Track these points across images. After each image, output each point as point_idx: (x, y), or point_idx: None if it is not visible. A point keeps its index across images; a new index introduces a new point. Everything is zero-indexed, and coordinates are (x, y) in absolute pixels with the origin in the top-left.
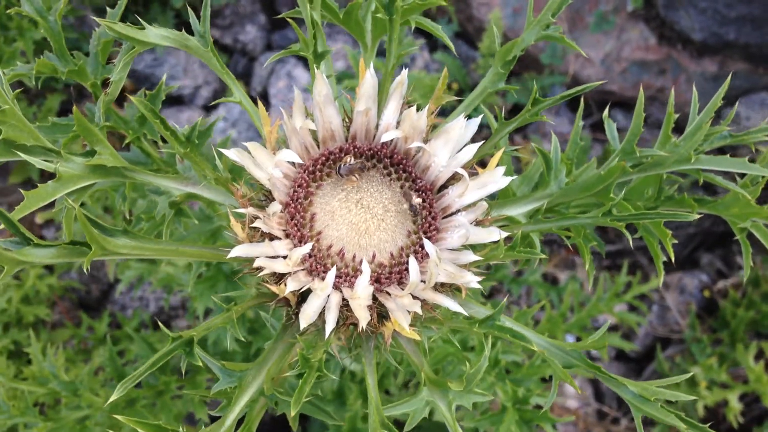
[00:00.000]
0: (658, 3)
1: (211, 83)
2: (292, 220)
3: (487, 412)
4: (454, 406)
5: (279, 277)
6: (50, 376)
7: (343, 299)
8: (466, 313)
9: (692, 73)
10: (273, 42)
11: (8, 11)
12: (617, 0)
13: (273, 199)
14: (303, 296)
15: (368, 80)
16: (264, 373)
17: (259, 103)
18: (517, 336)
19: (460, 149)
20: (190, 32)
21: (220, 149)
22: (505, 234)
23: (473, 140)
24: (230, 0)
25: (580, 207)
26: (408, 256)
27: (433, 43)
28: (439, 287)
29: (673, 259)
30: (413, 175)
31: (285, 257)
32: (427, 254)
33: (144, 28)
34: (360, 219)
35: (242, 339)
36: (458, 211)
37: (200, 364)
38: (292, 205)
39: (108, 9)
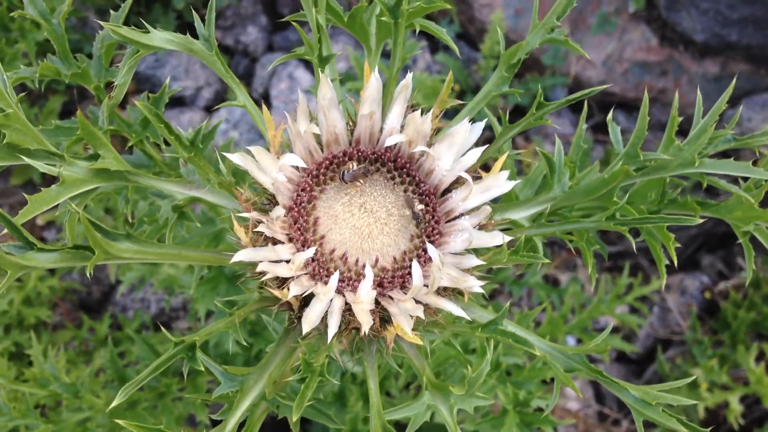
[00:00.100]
0: (660, 4)
1: (212, 84)
2: (295, 224)
3: (488, 414)
4: (456, 410)
5: (282, 282)
6: (51, 378)
7: (346, 303)
8: (468, 318)
9: (694, 74)
10: (274, 43)
11: (11, 14)
12: (619, 1)
13: (276, 203)
14: (306, 300)
15: (373, 84)
16: (266, 377)
17: (264, 107)
18: (519, 340)
19: (464, 153)
20: (193, 34)
21: (224, 153)
22: (508, 238)
23: (477, 143)
24: (232, 1)
25: (583, 210)
26: (411, 260)
27: (435, 45)
28: (442, 291)
29: (675, 263)
30: (417, 178)
31: (288, 261)
32: (430, 258)
33: (148, 32)
34: (363, 223)
35: (243, 344)
36: (462, 215)
37: (202, 368)
38: (296, 209)
39: (111, 12)
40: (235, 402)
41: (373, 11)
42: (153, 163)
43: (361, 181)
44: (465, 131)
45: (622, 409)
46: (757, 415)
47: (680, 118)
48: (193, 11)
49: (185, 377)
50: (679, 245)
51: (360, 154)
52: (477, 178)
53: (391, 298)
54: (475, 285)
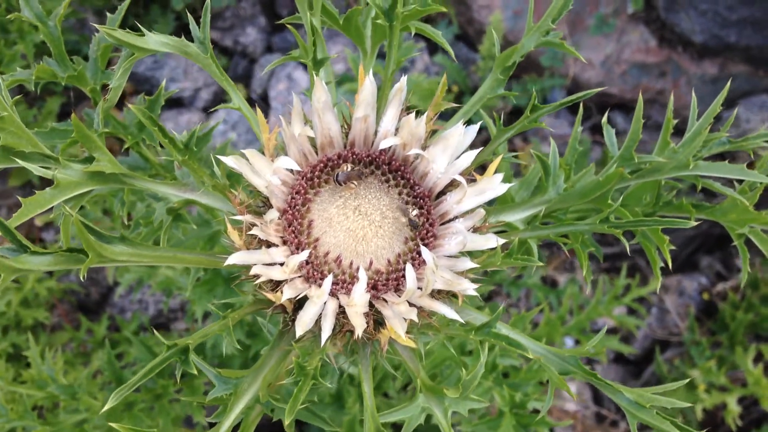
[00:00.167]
0: (659, 5)
1: (211, 85)
2: (289, 227)
3: (485, 416)
4: (450, 413)
5: (276, 284)
6: (49, 380)
7: (340, 306)
8: (462, 321)
9: (692, 75)
10: (273, 44)
11: (8, 17)
12: (617, 2)
13: (271, 206)
14: (300, 303)
15: (367, 87)
16: (260, 380)
17: (258, 110)
18: (512, 344)
19: (459, 156)
20: (191, 37)
21: (218, 156)
22: (502, 241)
23: (473, 144)
24: (231, 2)
25: (578, 212)
26: (405, 262)
27: (433, 46)
28: (436, 294)
29: (670, 266)
30: (411, 181)
31: (282, 264)
32: (424, 261)
33: (143, 35)
34: (358, 226)
35: (238, 347)
36: (456, 217)
37: (195, 372)
38: (290, 212)
39: (108, 14)
40: (229, 405)
41: (369, 14)
42: (149, 165)
43: (355, 182)
44: (459, 134)
45: (620, 410)
46: (755, 416)
47: (678, 120)
48: (188, 14)
49: (178, 380)
50: (674, 247)
51: (355, 156)
52: (472, 180)
53: (385, 300)
54: (469, 288)
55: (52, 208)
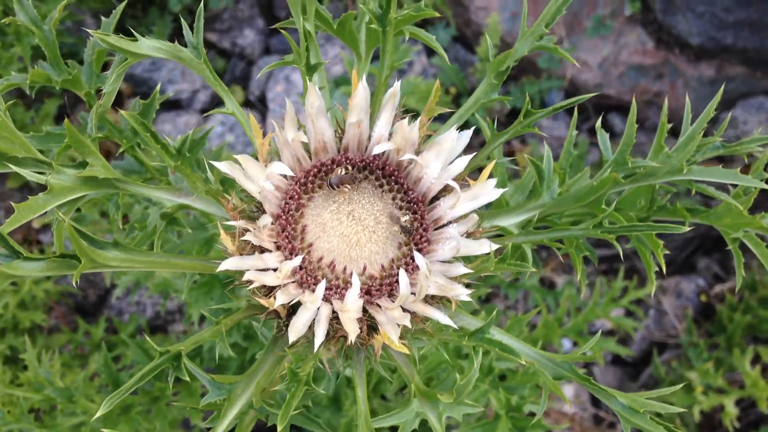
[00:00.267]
0: (656, 7)
1: (208, 87)
2: (283, 232)
3: (482, 419)
4: (444, 418)
5: (269, 290)
6: (45, 383)
7: (333, 312)
8: (455, 327)
9: (690, 77)
10: (271, 46)
11: (3, 20)
12: (615, 4)
13: (264, 211)
14: (293, 308)
15: (360, 92)
16: (253, 386)
17: (250, 115)
18: (505, 349)
19: (452, 161)
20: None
21: (211, 162)
22: (495, 246)
23: (470, 145)
24: (229, 4)
25: (573, 216)
26: (399, 268)
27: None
28: (430, 299)
29: (664, 270)
30: (405, 186)
31: (275, 270)
32: (417, 266)
33: (137, 40)
34: (351, 231)
35: (231, 354)
36: (450, 222)
37: (187, 378)
38: (284, 217)
39: (103, 18)
40: (223, 410)
41: (363, 18)
42: (144, 169)
43: (348, 187)
44: (452, 139)
45: None
46: (753, 418)
47: (675, 122)
48: (182, 20)
49: (171, 386)
50: (668, 252)
51: (348, 161)
52: (465, 185)
53: (379, 306)
54: (462, 293)
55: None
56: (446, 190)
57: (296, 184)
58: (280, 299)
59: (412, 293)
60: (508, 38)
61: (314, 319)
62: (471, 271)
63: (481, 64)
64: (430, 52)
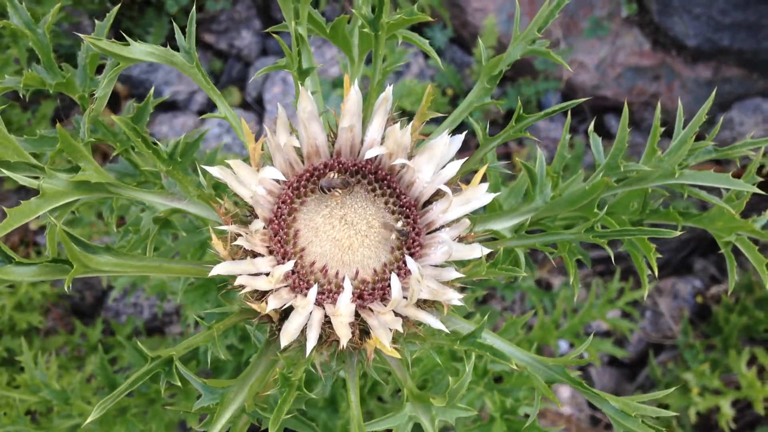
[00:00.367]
0: (653, 9)
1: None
2: (275, 236)
3: (477, 421)
4: (437, 422)
5: (261, 294)
6: (42, 385)
7: (326, 316)
8: (447, 331)
9: (686, 78)
10: (268, 48)
11: None
12: (612, 6)
13: (256, 216)
14: (286, 312)
15: (352, 97)
16: (246, 390)
17: (242, 119)
18: (497, 354)
19: (444, 165)
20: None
21: (203, 167)
22: (487, 250)
23: (467, 147)
24: (226, 5)
25: (566, 220)
26: (391, 272)
27: None
28: (422, 304)
29: (656, 274)
30: (398, 190)
31: (268, 274)
32: (409, 271)
33: (129, 44)
34: (344, 235)
35: (231, 351)
36: (442, 227)
37: (179, 383)
38: (276, 221)
39: (96, 22)
40: (215, 415)
41: (356, 22)
42: (139, 172)
43: (340, 191)
44: (444, 144)
45: None
46: (749, 419)
47: (669, 125)
48: (174, 24)
49: (162, 392)
50: (660, 255)
51: (341, 166)
52: (457, 190)
53: (371, 310)
54: (454, 298)
55: None
56: (438, 194)
57: (289, 188)
58: (272, 304)
59: (404, 297)
60: (504, 40)
61: (306, 324)
62: (463, 275)
63: (478, 65)
64: (427, 53)
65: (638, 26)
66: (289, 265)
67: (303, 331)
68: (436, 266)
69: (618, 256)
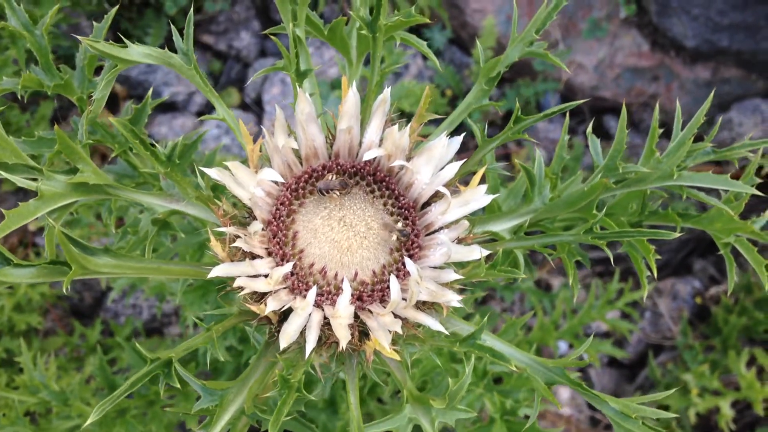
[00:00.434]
0: (651, 10)
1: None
2: (274, 238)
3: (477, 423)
4: (437, 423)
5: (260, 296)
6: (41, 386)
7: (325, 318)
8: (447, 333)
9: (685, 79)
10: (267, 49)
11: None
12: (610, 7)
13: (255, 218)
14: (285, 314)
15: (350, 99)
16: (245, 392)
17: (240, 121)
18: (496, 355)
19: (443, 167)
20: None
21: (201, 168)
22: (486, 252)
23: (465, 147)
24: (224, 6)
25: (565, 221)
26: (390, 273)
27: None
28: (421, 305)
29: (655, 275)
30: (396, 192)
31: (266, 276)
32: (408, 272)
33: (126, 46)
34: (343, 237)
35: (231, 353)
36: (441, 228)
37: (178, 385)
38: (275, 223)
39: (95, 24)
40: (215, 417)
41: (354, 24)
42: (137, 174)
43: (338, 192)
44: (443, 146)
45: None
46: (748, 420)
47: (662, 130)
48: (172, 26)
49: (161, 394)
50: (659, 257)
51: (339, 167)
52: (456, 192)
53: (371, 312)
54: (453, 299)
55: None
56: (437, 195)
57: (287, 190)
58: (271, 306)
59: (403, 299)
60: (504, 41)
61: (305, 326)
62: (462, 277)
63: (477, 66)
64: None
65: (637, 27)
66: (288, 267)
67: (302, 333)
68: (435, 268)
69: (617, 257)
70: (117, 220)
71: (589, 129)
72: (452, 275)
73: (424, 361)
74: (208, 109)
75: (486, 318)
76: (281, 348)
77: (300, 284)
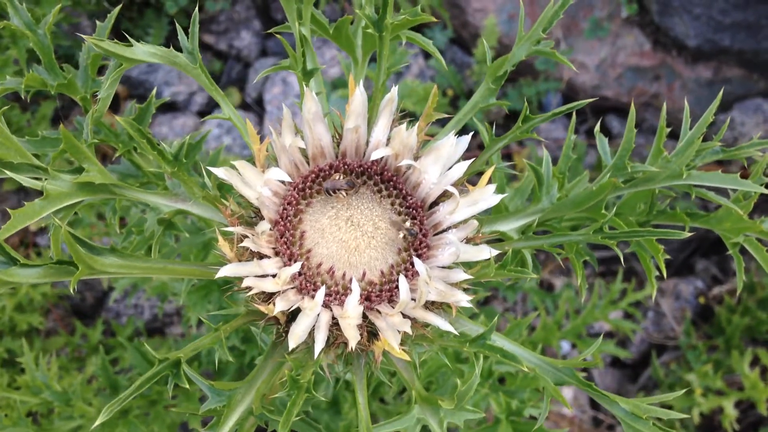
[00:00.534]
0: (653, 9)
1: (205, 89)
2: (281, 238)
3: (482, 423)
4: (446, 424)
5: (268, 296)
6: (43, 386)
7: (333, 318)
8: (456, 333)
9: (687, 79)
10: (268, 48)
11: None
12: (612, 6)
13: (262, 217)
14: (293, 314)
15: (357, 98)
16: (253, 392)
17: (247, 121)
18: (507, 356)
19: (451, 167)
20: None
21: (209, 168)
22: (495, 252)
23: (468, 146)
24: (225, 6)
25: (573, 220)
26: (399, 273)
27: None
28: (430, 305)
29: (665, 275)
30: (404, 192)
31: (274, 276)
32: (417, 272)
33: (131, 45)
34: (350, 236)
35: (234, 353)
36: (449, 228)
37: (187, 386)
38: (282, 223)
39: (98, 23)
40: (223, 417)
41: (360, 23)
42: (141, 173)
43: (345, 192)
44: (451, 145)
45: None
46: (752, 420)
47: (673, 125)
48: (177, 24)
49: (170, 393)
50: (668, 257)
51: (346, 167)
52: (464, 191)
53: (379, 312)
54: (463, 299)
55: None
56: (445, 195)
57: (294, 189)
58: (279, 306)
59: (412, 299)
60: (505, 40)
61: (314, 326)
62: (471, 277)
63: (479, 66)
64: (427, 54)
65: (638, 27)
66: (296, 267)
67: (310, 334)
68: (444, 268)
69: (619, 258)
70: (119, 220)
71: (597, 128)
72: (461, 275)
73: (429, 362)
74: (208, 108)
75: (495, 319)
76: (290, 348)
77: (308, 284)
